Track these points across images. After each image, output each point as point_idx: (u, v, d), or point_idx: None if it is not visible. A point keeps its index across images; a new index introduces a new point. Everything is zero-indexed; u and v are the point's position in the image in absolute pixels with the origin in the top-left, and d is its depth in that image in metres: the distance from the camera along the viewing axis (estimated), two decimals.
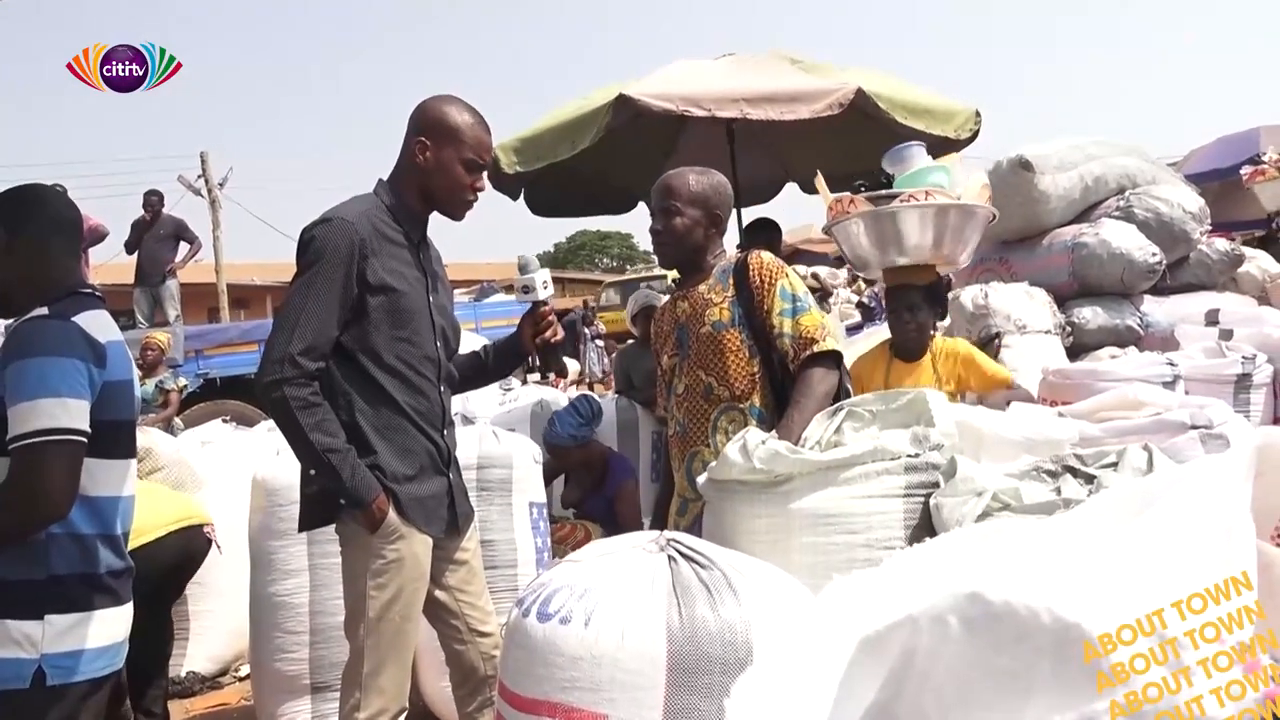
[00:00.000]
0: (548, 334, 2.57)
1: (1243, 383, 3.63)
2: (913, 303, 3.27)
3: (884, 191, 3.28)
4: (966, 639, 1.01)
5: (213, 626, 4.41)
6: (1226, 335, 3.92)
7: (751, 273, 2.68)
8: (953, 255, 3.31)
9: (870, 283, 11.20)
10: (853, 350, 4.17)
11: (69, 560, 1.91)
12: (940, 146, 4.35)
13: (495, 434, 3.40)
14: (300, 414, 2.15)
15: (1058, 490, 2.03)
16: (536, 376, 3.65)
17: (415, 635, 2.33)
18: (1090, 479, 2.04)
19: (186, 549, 3.48)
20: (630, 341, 6.07)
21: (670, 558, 1.80)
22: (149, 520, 3.12)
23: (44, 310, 1.95)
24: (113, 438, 1.98)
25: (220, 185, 19.79)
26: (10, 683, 1.84)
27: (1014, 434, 2.41)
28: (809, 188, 6.58)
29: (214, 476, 4.56)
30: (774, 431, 2.42)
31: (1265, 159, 8.07)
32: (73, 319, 1.92)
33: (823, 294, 11.90)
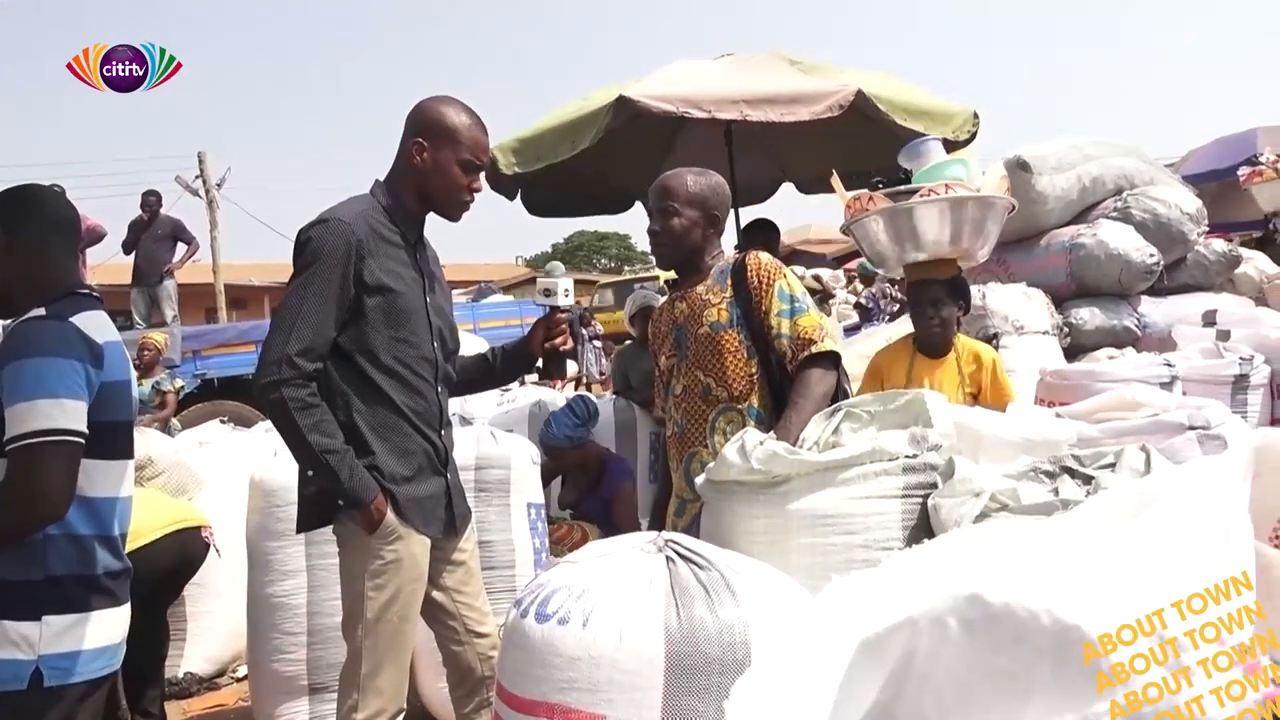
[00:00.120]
0: (558, 340, 2.57)
1: (1240, 383, 3.64)
2: (936, 297, 3.20)
3: (903, 187, 3.24)
4: (966, 641, 1.00)
5: (210, 627, 4.40)
6: (1224, 336, 3.92)
7: (749, 273, 2.68)
8: (972, 249, 3.26)
9: (868, 283, 11.22)
10: (851, 350, 4.17)
11: (66, 561, 1.90)
12: None
13: (493, 435, 3.39)
14: (298, 415, 2.15)
15: (1055, 491, 2.03)
16: (535, 378, 3.65)
17: (413, 636, 2.32)
18: (1088, 480, 2.05)
19: (183, 552, 3.48)
20: (628, 342, 6.07)
21: (668, 559, 1.80)
22: (145, 523, 3.12)
23: (41, 311, 1.95)
24: (110, 438, 1.97)
25: (218, 185, 19.77)
26: (7, 684, 1.83)
27: (1012, 435, 2.41)
28: (806, 188, 6.60)
29: (211, 477, 4.55)
30: (772, 432, 2.42)
31: (1262, 160, 8.08)
32: (70, 319, 1.91)
33: (825, 296, 11.92)
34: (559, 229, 62.49)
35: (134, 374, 2.15)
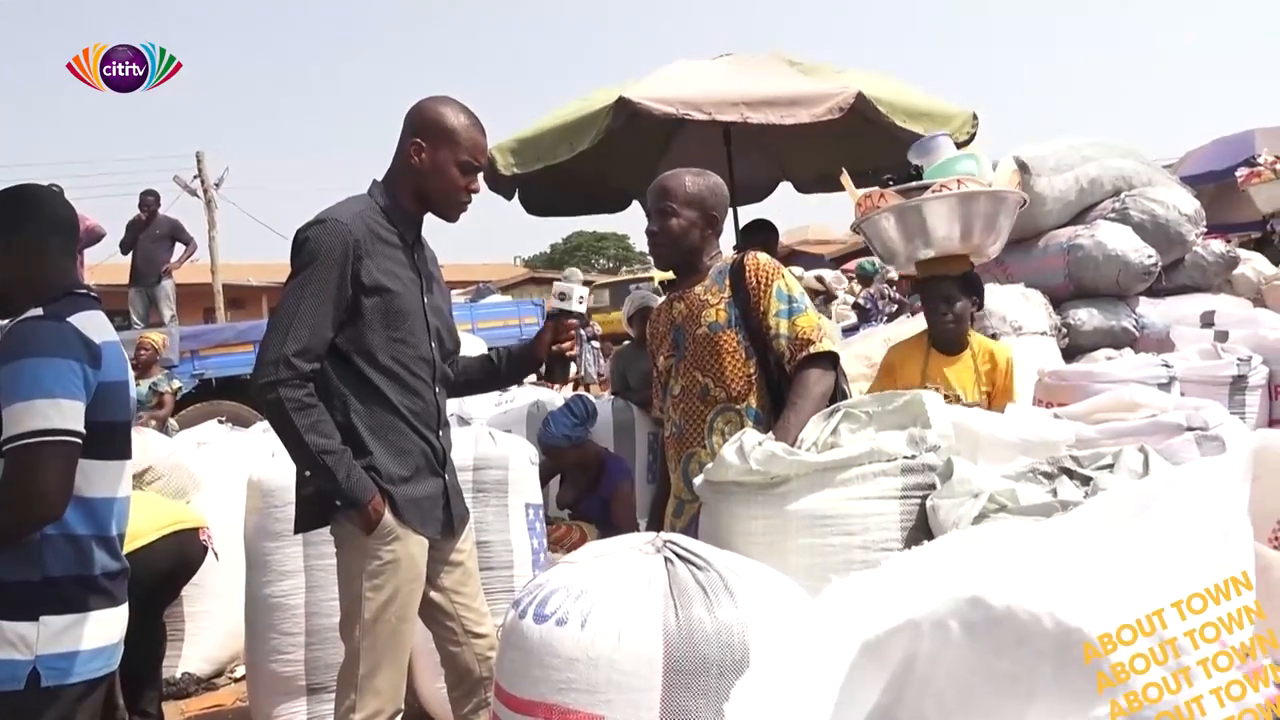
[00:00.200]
0: (566, 344, 2.57)
1: (1238, 384, 3.64)
2: (948, 293, 3.18)
3: (915, 184, 3.23)
4: (968, 643, 1.00)
5: (208, 628, 4.39)
6: (1222, 337, 3.92)
7: (748, 273, 2.68)
8: (984, 245, 3.24)
9: (865, 284, 11.22)
10: (849, 351, 4.17)
11: (64, 561, 1.90)
12: None
13: (491, 435, 3.39)
14: (295, 415, 2.14)
15: (1054, 492, 2.03)
16: (534, 378, 3.65)
17: (411, 636, 2.32)
18: (1086, 481, 2.05)
19: (181, 554, 3.47)
20: (627, 343, 6.07)
21: (667, 559, 1.79)
22: (143, 525, 3.11)
23: (39, 311, 1.94)
24: (108, 439, 1.97)
25: (216, 185, 19.78)
26: (5, 684, 1.83)
27: (1010, 436, 2.41)
28: (805, 188, 6.61)
29: (209, 478, 4.54)
30: (770, 433, 2.41)
31: (1260, 161, 8.08)
32: (68, 320, 1.91)
33: (827, 297, 11.91)
34: (557, 229, 62.58)
35: (132, 374, 2.15)
